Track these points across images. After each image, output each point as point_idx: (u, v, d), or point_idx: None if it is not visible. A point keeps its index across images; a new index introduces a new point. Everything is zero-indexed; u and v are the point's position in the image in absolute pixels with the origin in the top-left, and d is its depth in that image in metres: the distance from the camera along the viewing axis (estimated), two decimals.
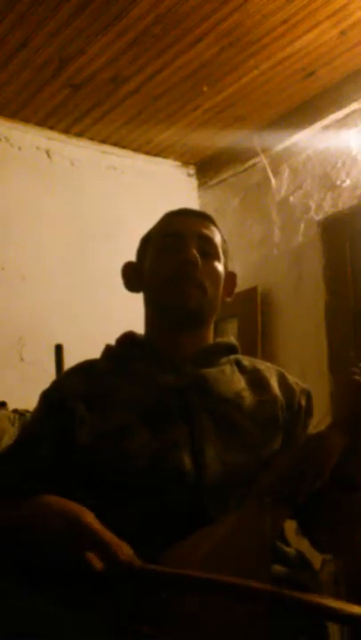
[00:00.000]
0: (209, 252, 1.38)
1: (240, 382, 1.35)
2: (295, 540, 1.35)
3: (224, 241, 1.45)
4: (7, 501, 1.17)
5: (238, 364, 1.39)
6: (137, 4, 2.48)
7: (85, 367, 1.40)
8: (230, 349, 1.42)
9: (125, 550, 1.00)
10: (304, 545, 1.32)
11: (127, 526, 1.16)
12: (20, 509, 1.11)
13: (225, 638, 1.01)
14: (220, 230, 1.44)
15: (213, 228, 1.42)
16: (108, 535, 1.01)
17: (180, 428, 1.24)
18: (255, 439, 1.26)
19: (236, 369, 1.38)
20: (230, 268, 1.47)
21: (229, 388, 1.33)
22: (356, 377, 1.22)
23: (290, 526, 1.32)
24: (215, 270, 1.38)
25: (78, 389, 1.32)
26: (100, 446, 1.24)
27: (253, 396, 1.32)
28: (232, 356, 1.41)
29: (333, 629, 1.23)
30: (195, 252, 1.35)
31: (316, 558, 1.37)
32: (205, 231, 1.40)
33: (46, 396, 1.36)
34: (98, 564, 0.97)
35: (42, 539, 1.03)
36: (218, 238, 1.42)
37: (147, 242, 1.45)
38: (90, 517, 1.06)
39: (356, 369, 1.24)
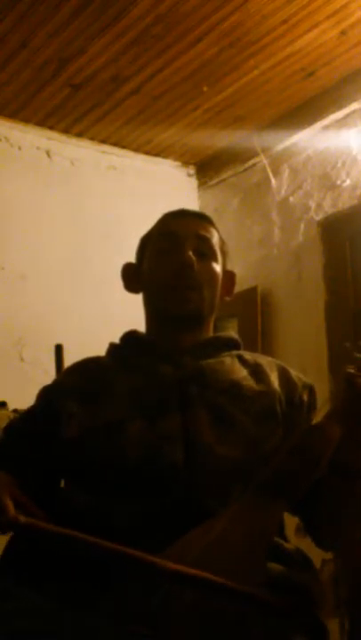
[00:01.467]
0: (206, 252, 1.39)
1: (241, 372, 1.35)
2: (295, 540, 1.35)
3: (222, 241, 1.45)
4: None
5: (240, 357, 1.40)
6: (137, 4, 2.49)
7: (87, 363, 1.42)
8: (232, 344, 1.42)
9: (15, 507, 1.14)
10: (304, 545, 1.31)
11: (128, 527, 1.17)
12: None
13: (222, 637, 1.02)
14: (218, 230, 1.44)
15: (211, 228, 1.42)
16: (5, 496, 1.14)
17: (174, 420, 1.25)
18: (252, 432, 1.26)
19: (237, 361, 1.38)
20: (230, 268, 1.47)
21: (228, 378, 1.33)
22: (351, 369, 1.22)
23: (289, 525, 1.32)
24: (212, 270, 1.39)
25: (72, 386, 1.35)
26: (92, 438, 1.25)
27: (253, 387, 1.32)
28: (234, 351, 1.41)
29: (333, 629, 1.23)
30: (191, 253, 1.36)
31: (316, 558, 1.37)
32: (202, 231, 1.40)
33: (40, 394, 1.40)
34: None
35: None
36: (215, 238, 1.42)
37: (145, 243, 1.46)
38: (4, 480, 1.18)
39: (354, 359, 1.24)
